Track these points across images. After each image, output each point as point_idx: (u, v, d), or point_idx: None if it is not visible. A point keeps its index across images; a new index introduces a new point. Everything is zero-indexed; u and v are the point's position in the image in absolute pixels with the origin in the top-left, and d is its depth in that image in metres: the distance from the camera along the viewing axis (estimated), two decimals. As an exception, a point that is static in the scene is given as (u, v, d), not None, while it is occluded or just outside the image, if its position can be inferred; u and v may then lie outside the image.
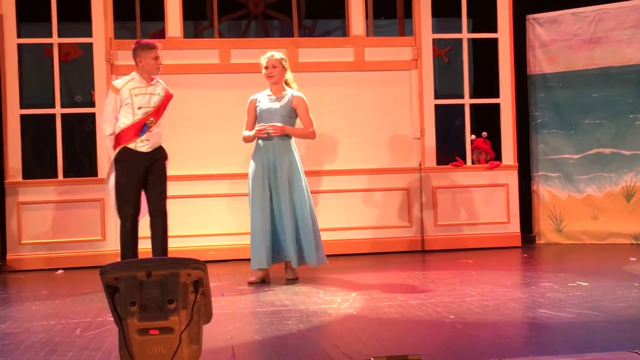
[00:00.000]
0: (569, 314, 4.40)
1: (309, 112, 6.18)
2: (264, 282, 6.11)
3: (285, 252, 6.04)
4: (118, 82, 6.11)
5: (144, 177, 6.03)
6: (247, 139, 6.22)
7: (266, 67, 6.15)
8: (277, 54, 6.20)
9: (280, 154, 6.07)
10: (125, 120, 5.97)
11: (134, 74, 6.08)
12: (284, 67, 6.16)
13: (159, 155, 6.10)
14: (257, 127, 6.08)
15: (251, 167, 6.14)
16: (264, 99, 6.20)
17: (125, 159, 5.97)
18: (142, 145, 5.98)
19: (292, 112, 6.16)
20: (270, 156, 6.07)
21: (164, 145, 6.18)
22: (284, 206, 6.02)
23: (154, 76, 6.11)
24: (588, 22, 8.04)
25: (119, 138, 5.99)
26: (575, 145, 8.10)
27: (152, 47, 6.02)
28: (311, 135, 6.23)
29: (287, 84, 6.25)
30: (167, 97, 6.13)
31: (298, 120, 6.24)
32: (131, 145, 5.97)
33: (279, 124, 6.05)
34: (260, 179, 6.07)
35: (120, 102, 6.00)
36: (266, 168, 6.06)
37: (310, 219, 6.04)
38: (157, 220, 6.05)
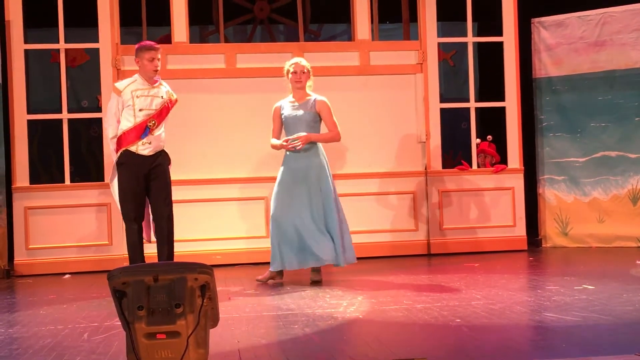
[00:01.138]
0: (575, 318, 4.40)
1: (332, 115, 6.27)
2: (274, 280, 6.23)
3: (313, 255, 6.07)
4: (120, 84, 6.10)
5: (147, 182, 6.00)
6: (274, 148, 6.32)
7: (294, 72, 6.23)
8: (304, 61, 6.32)
9: (308, 157, 6.17)
10: (127, 122, 5.95)
11: (136, 76, 6.07)
12: (309, 74, 6.25)
13: (161, 160, 6.06)
14: (283, 141, 6.17)
15: (280, 171, 6.25)
16: (288, 106, 6.28)
17: (127, 162, 5.95)
18: (143, 148, 5.97)
19: (316, 117, 6.24)
20: (299, 161, 6.17)
21: (169, 150, 6.18)
22: (313, 209, 6.10)
23: (157, 79, 6.09)
24: (593, 25, 8.04)
25: (120, 141, 5.97)
26: (581, 148, 8.10)
27: (149, 49, 5.99)
28: (336, 137, 6.31)
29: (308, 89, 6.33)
30: (171, 101, 6.12)
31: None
32: (133, 148, 5.95)
33: (303, 134, 6.13)
34: (287, 184, 6.16)
35: (122, 103, 5.98)
36: (295, 173, 6.16)
37: (337, 221, 6.10)
38: (162, 226, 6.02)
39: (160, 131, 6.05)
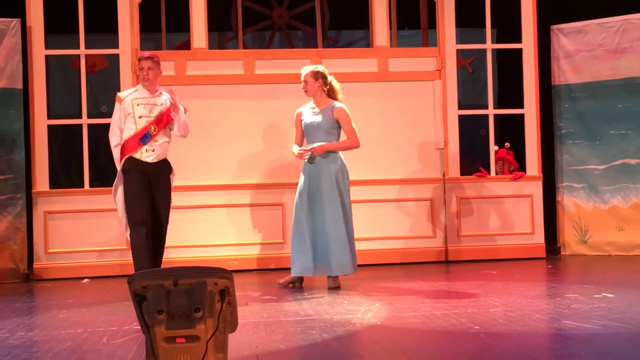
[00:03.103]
0: (594, 326, 4.38)
1: (351, 122, 6.27)
2: (294, 285, 6.26)
3: (325, 264, 6.13)
4: (122, 93, 6.22)
5: (150, 189, 6.03)
6: (294, 155, 6.35)
7: (302, 82, 6.28)
8: (310, 67, 6.34)
9: (327, 164, 6.20)
10: (130, 131, 6.01)
11: (138, 86, 6.20)
12: (316, 79, 6.26)
13: (163, 169, 6.09)
14: (298, 151, 6.20)
15: (300, 178, 6.29)
16: (308, 112, 6.32)
17: (132, 168, 5.98)
18: (147, 155, 6.00)
19: (334, 124, 6.26)
20: (316, 168, 6.20)
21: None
22: (321, 216, 6.13)
23: (159, 89, 6.15)
24: (613, 33, 8.00)
25: (124, 149, 6.02)
26: (601, 156, 8.06)
27: (139, 59, 6.20)
28: (354, 145, 6.31)
29: (332, 94, 6.32)
30: (175, 108, 6.06)
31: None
32: (136, 155, 5.99)
33: (318, 144, 6.16)
34: (304, 190, 6.21)
35: (124, 112, 6.06)
36: (311, 179, 6.20)
37: (338, 228, 6.11)
38: (157, 237, 6.03)
39: (164, 139, 6.08)
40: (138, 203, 5.96)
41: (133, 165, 5.98)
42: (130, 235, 6.03)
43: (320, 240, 6.13)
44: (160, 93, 6.15)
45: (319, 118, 6.24)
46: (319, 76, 6.26)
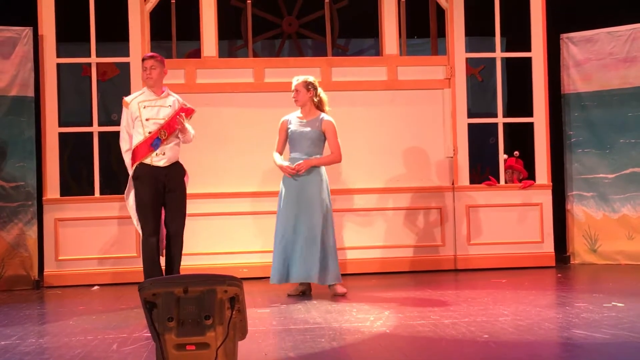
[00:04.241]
0: (604, 335, 4.37)
1: (336, 137, 6.30)
2: (304, 294, 6.27)
3: (299, 271, 6.12)
4: (128, 97, 6.18)
5: (163, 193, 6.01)
6: (275, 164, 6.35)
7: (293, 91, 6.29)
8: (301, 78, 6.33)
9: (306, 174, 6.21)
10: (139, 135, 5.99)
11: (144, 89, 6.18)
12: (308, 90, 6.27)
13: (176, 172, 6.06)
14: (286, 166, 6.21)
15: (281, 186, 6.33)
16: (295, 121, 6.33)
17: (143, 175, 5.97)
18: (158, 159, 5.99)
19: (321, 136, 6.29)
20: (297, 176, 6.21)
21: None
22: (304, 225, 6.14)
23: (165, 89, 6.14)
24: (623, 41, 8.00)
25: (134, 154, 6.00)
26: (610, 165, 8.05)
27: (142, 59, 6.17)
28: (336, 159, 6.35)
29: (320, 105, 6.33)
30: (183, 109, 6.09)
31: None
32: (147, 161, 5.98)
33: (303, 161, 6.18)
34: (285, 199, 6.24)
35: (131, 116, 6.05)
36: (291, 188, 6.22)
37: (320, 238, 6.12)
38: (174, 242, 6.05)
39: (174, 142, 6.06)
40: (149, 213, 5.95)
41: (144, 172, 5.96)
42: (142, 242, 6.06)
43: (298, 250, 6.11)
44: (167, 94, 6.14)
45: (306, 129, 6.26)
46: (310, 87, 6.28)
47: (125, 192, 6.14)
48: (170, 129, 6.01)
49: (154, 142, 5.97)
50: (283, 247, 6.18)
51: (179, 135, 6.08)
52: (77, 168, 9.11)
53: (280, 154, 6.41)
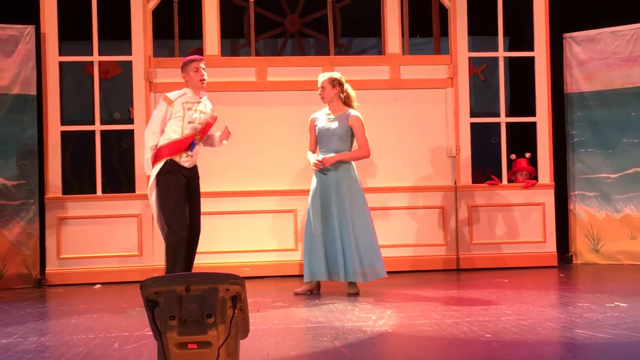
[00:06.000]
0: (607, 335, 4.36)
1: (364, 131, 6.30)
2: (311, 293, 6.27)
3: (343, 268, 6.11)
4: (172, 94, 6.08)
5: (187, 192, 6.05)
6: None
7: (319, 88, 6.32)
8: (327, 74, 6.37)
9: (339, 171, 6.21)
10: (174, 134, 5.97)
11: (186, 89, 6.11)
12: (334, 86, 6.28)
13: (196, 174, 6.17)
14: (313, 163, 6.21)
15: (312, 183, 6.30)
16: (322, 118, 6.34)
17: (173, 170, 5.96)
18: (185, 160, 6.02)
19: (349, 131, 6.28)
20: (330, 173, 6.20)
21: (200, 161, 6.25)
22: (342, 222, 6.14)
23: (202, 94, 6.17)
24: (626, 41, 7.99)
25: (162, 150, 5.95)
26: (613, 165, 8.03)
27: (192, 60, 6.11)
28: (364, 154, 6.33)
29: (347, 101, 6.34)
30: (213, 118, 6.22)
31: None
32: (176, 159, 5.99)
33: (330, 155, 6.18)
34: (319, 196, 6.22)
35: (170, 114, 6.01)
36: (326, 185, 6.21)
37: (364, 235, 6.13)
38: (194, 238, 6.07)
39: (200, 145, 6.17)
40: (182, 207, 5.95)
41: (174, 168, 5.97)
42: (169, 236, 5.94)
43: (337, 248, 6.12)
44: (206, 100, 6.21)
45: (334, 125, 6.26)
46: (336, 83, 6.29)
47: (149, 189, 6.02)
48: (203, 134, 6.12)
49: (192, 143, 6.02)
50: (314, 244, 6.15)
51: (211, 141, 6.29)
52: (79, 166, 9.11)
53: (313, 152, 6.40)
